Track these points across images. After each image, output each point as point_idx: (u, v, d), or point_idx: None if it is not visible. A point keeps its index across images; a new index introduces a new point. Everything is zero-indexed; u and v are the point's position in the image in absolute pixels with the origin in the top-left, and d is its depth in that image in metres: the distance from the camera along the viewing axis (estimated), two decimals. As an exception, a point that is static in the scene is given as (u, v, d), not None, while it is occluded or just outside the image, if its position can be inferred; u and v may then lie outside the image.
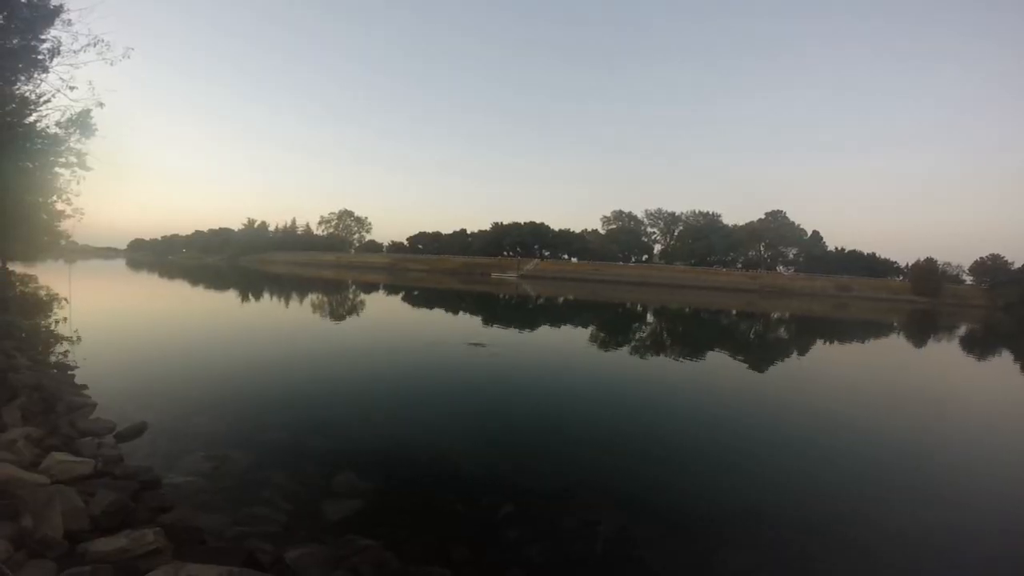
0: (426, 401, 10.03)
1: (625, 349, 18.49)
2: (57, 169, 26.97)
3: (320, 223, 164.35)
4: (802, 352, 22.03)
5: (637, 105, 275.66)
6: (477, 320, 24.94)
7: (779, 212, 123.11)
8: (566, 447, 7.82)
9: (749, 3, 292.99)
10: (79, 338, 13.86)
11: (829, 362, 19.88)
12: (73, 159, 26.70)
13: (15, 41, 20.60)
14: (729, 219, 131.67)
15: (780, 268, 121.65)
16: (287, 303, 32.56)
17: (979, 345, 31.16)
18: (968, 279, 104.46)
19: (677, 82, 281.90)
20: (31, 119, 24.37)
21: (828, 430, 9.69)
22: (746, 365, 16.71)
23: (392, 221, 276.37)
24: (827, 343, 26.95)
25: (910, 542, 5.54)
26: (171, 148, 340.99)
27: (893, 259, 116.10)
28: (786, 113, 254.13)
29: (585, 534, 5.21)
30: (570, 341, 19.51)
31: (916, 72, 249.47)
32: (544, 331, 22.66)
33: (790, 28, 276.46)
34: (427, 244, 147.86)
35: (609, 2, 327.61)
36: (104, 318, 20.50)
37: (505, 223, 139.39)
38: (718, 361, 17.13)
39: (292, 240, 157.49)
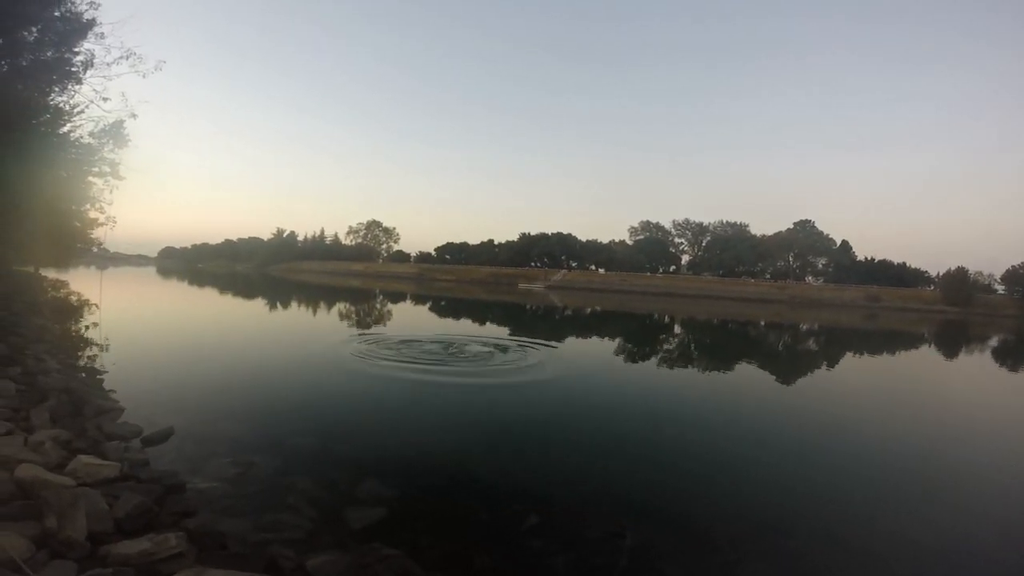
0: (451, 409, 10.00)
1: (652, 360, 18.29)
2: (91, 178, 27.71)
3: (348, 233, 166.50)
4: (830, 364, 21.60)
5: (663, 112, 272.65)
6: (504, 331, 24.71)
7: (808, 222, 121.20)
8: (592, 457, 7.70)
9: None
10: (108, 343, 14.11)
11: (856, 373, 19.43)
12: (106, 168, 27.45)
13: (49, 53, 21.20)
14: (757, 229, 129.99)
15: (809, 278, 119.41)
16: (314, 311, 32.91)
17: (1011, 356, 30.33)
18: (1000, 288, 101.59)
19: (702, 87, 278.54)
20: (65, 129, 25.07)
21: (856, 442, 9.45)
22: (773, 377, 16.41)
23: (420, 231, 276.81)
24: (855, 355, 26.39)
25: (940, 557, 5.34)
26: (201, 158, 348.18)
27: (923, 268, 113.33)
28: (818, 115, 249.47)
29: (609, 546, 5.09)
30: (596, 351, 19.29)
31: (944, 74, 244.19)
32: (570, 342, 22.46)
33: (817, 26, 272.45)
34: (454, 254, 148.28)
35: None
36: (133, 324, 20.89)
37: (532, 234, 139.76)
38: (745, 372, 16.85)
39: (321, 250, 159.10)
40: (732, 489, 6.75)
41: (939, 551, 5.45)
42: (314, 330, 20.15)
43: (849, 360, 23.61)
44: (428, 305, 43.68)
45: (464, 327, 25.90)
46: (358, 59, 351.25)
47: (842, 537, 5.56)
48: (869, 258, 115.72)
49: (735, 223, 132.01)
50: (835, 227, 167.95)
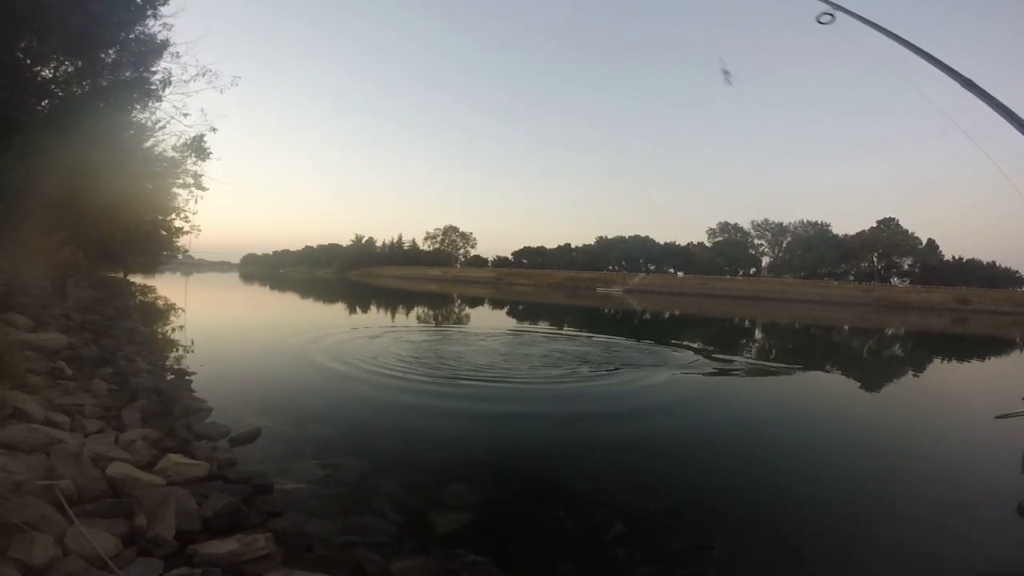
0: (539, 415, 9.79)
1: (737, 365, 17.17)
2: (175, 189, 29.10)
3: (426, 238, 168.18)
4: (917, 370, 20.09)
5: (744, 113, 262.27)
6: (584, 334, 24.02)
7: (891, 220, 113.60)
8: (679, 467, 7.38)
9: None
10: (194, 345, 14.55)
11: (943, 383, 17.92)
12: (190, 180, 28.70)
13: (127, 73, 22.25)
14: (839, 228, 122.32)
15: (894, 280, 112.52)
16: (394, 315, 33.28)
17: None
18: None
19: (788, 90, 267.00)
20: (148, 144, 26.42)
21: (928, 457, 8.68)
22: (862, 387, 15.27)
23: (497, 236, 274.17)
24: (944, 361, 24.57)
25: None
26: (282, 168, 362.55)
27: (1015, 268, 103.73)
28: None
29: (696, 557, 4.88)
30: (678, 358, 18.21)
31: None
32: (653, 346, 21.29)
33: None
34: (531, 258, 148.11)
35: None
36: (218, 327, 21.65)
37: (610, 237, 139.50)
38: (835, 382, 15.81)
39: (399, 255, 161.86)
40: (829, 508, 6.27)
41: None
42: (396, 332, 20.09)
43: (940, 368, 21.90)
44: (506, 309, 43.63)
45: (545, 331, 25.47)
46: (436, 66, 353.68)
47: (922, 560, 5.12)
48: (957, 258, 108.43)
49: (816, 223, 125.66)
50: (920, 225, 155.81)
